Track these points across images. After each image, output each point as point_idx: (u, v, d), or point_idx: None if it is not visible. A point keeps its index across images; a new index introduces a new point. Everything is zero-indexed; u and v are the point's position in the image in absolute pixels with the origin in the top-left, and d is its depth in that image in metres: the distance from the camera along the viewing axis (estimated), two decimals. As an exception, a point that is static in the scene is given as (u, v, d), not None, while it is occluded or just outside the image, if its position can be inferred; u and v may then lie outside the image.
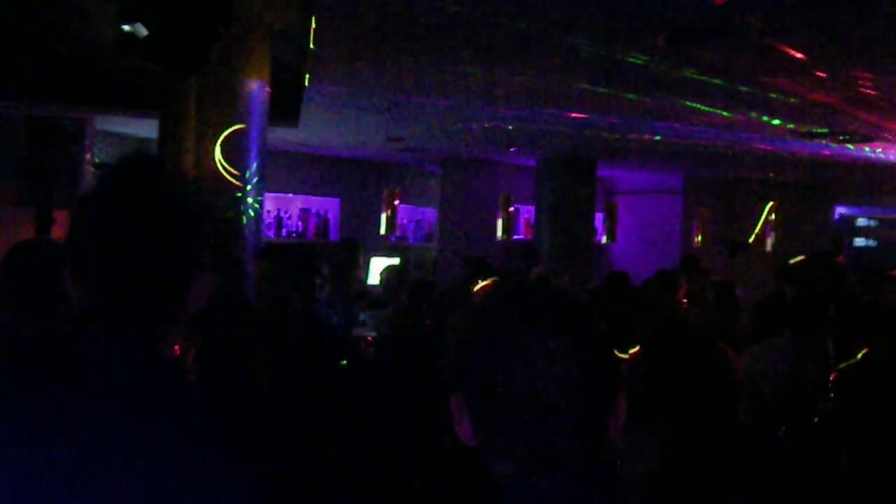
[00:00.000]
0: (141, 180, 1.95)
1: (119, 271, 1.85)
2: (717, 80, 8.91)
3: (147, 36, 4.92)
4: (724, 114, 10.81)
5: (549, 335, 1.69)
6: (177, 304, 1.90)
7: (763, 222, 18.63)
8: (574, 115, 11.39)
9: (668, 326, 7.84)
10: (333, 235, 16.85)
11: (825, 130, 11.96)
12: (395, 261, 15.88)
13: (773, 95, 9.59)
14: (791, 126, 11.68)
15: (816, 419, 6.80)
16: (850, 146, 13.12)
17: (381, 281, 8.37)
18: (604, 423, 1.74)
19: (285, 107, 7.72)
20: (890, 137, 12.30)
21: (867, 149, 13.48)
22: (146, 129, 11.50)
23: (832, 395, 6.89)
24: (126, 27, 4.91)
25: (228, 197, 7.09)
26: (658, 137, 13.26)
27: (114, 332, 1.85)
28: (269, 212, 15.41)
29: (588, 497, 1.69)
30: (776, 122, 11.37)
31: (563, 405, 1.67)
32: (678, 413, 4.26)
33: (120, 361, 1.84)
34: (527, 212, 18.29)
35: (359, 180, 17.52)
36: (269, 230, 15.62)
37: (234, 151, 7.13)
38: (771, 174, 18.28)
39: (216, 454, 1.80)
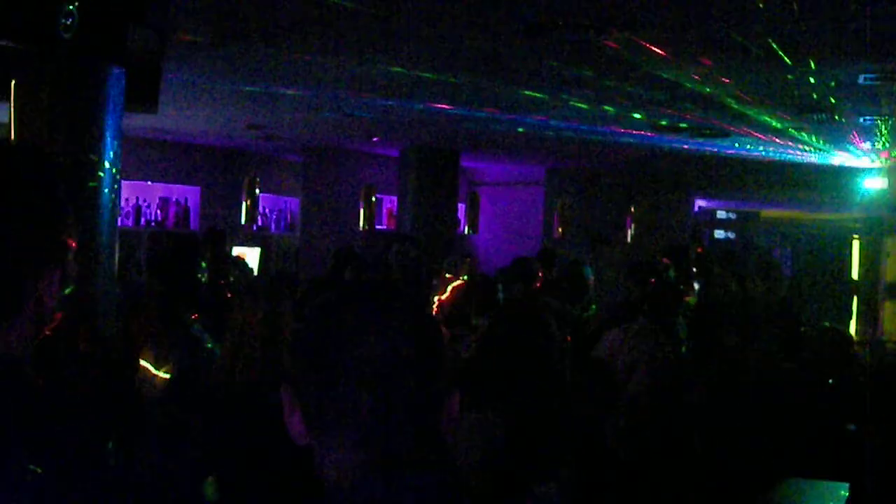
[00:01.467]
0: None
1: None
2: (577, 73, 8.98)
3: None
4: (585, 106, 10.91)
5: (376, 323, 1.70)
6: (14, 298, 1.78)
7: (623, 214, 18.89)
8: (436, 105, 11.38)
9: (507, 311, 8.06)
10: (194, 224, 16.59)
11: (684, 125, 12.17)
12: (256, 251, 15.74)
13: (632, 89, 9.71)
14: (652, 120, 11.85)
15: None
16: (708, 140, 13.38)
17: None
18: (437, 418, 1.73)
19: (143, 92, 7.53)
20: (747, 132, 12.58)
21: (726, 142, 13.76)
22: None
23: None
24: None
25: (82, 185, 6.89)
26: (520, 129, 13.34)
27: None
28: (127, 200, 15.10)
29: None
30: (637, 115, 11.53)
31: (392, 397, 1.67)
32: (510, 390, 4.38)
33: None
34: (389, 202, 18.27)
35: (219, 168, 17.27)
36: (128, 219, 15.30)
37: (89, 137, 6.93)
38: (632, 166, 18.55)
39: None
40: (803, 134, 12.62)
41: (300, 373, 1.72)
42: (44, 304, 1.80)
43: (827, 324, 8.27)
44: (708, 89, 9.56)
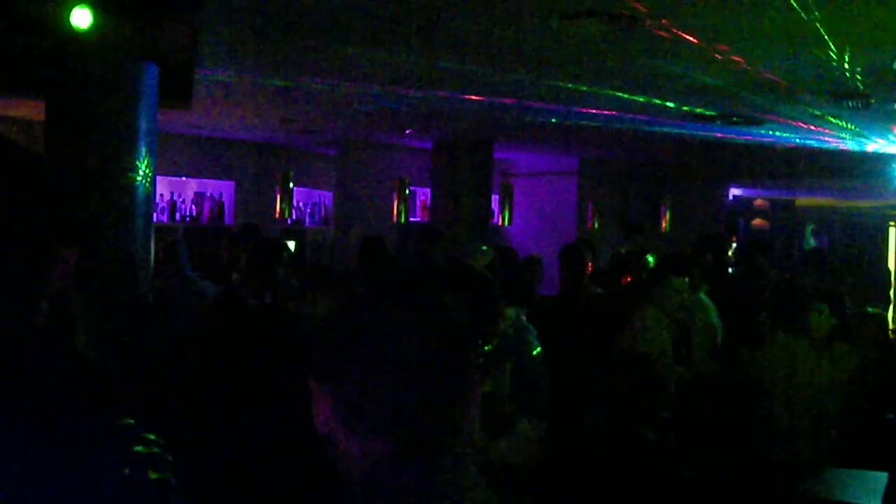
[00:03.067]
0: None
1: None
2: (610, 62, 8.94)
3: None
4: (619, 95, 10.87)
5: (411, 318, 1.73)
6: (30, 286, 1.76)
7: (658, 204, 18.83)
8: (469, 97, 11.36)
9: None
10: (228, 219, 16.64)
11: (717, 113, 12.11)
12: (291, 245, 15.76)
13: (666, 78, 9.66)
14: (685, 108, 11.80)
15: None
16: (742, 128, 13.31)
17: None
18: (464, 408, 1.76)
19: (176, 88, 7.57)
20: (782, 119, 12.50)
21: (760, 131, 13.68)
22: (34, 111, 11.24)
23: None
24: None
25: (117, 182, 6.93)
26: (553, 120, 13.30)
27: None
28: (161, 196, 15.16)
29: (448, 488, 1.67)
30: (670, 104, 11.47)
31: (428, 389, 1.70)
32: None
33: None
34: (423, 194, 18.27)
35: (253, 163, 17.33)
36: (163, 215, 15.36)
37: (123, 134, 6.97)
38: (665, 155, 18.48)
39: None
40: (838, 121, 12.52)
41: (334, 366, 1.74)
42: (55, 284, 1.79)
43: (870, 309, 8.22)
44: (741, 76, 9.49)
